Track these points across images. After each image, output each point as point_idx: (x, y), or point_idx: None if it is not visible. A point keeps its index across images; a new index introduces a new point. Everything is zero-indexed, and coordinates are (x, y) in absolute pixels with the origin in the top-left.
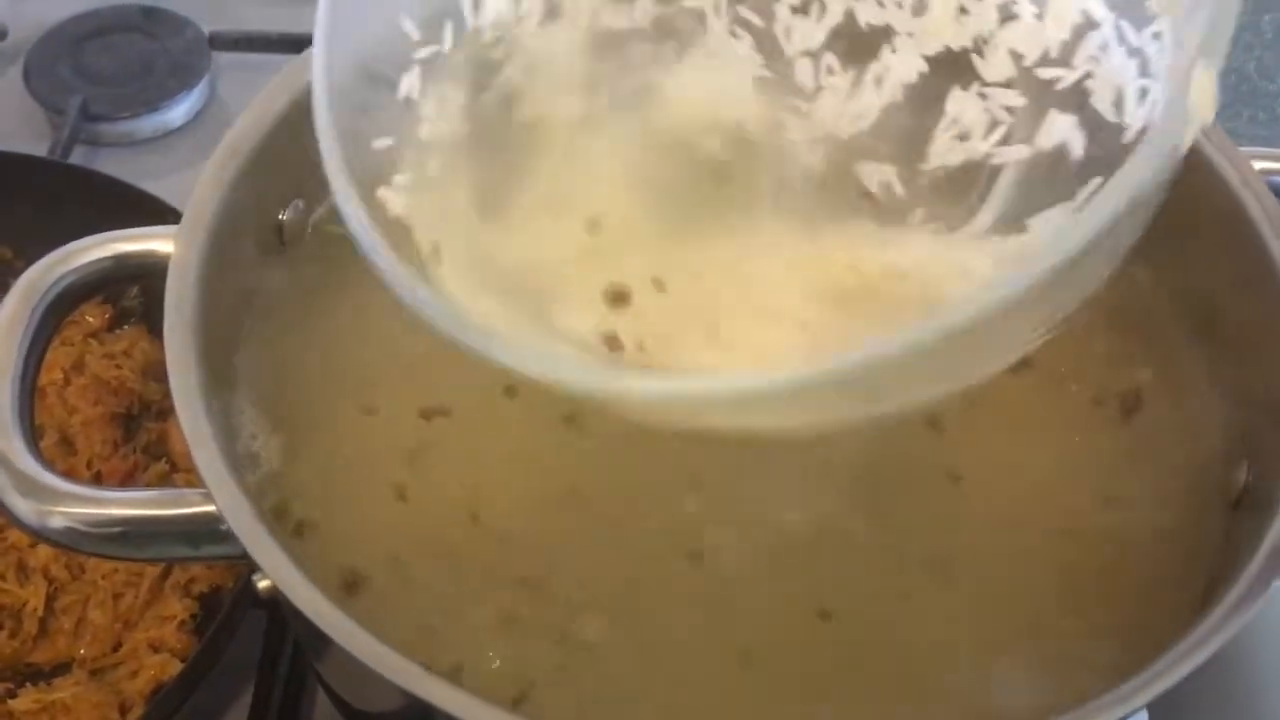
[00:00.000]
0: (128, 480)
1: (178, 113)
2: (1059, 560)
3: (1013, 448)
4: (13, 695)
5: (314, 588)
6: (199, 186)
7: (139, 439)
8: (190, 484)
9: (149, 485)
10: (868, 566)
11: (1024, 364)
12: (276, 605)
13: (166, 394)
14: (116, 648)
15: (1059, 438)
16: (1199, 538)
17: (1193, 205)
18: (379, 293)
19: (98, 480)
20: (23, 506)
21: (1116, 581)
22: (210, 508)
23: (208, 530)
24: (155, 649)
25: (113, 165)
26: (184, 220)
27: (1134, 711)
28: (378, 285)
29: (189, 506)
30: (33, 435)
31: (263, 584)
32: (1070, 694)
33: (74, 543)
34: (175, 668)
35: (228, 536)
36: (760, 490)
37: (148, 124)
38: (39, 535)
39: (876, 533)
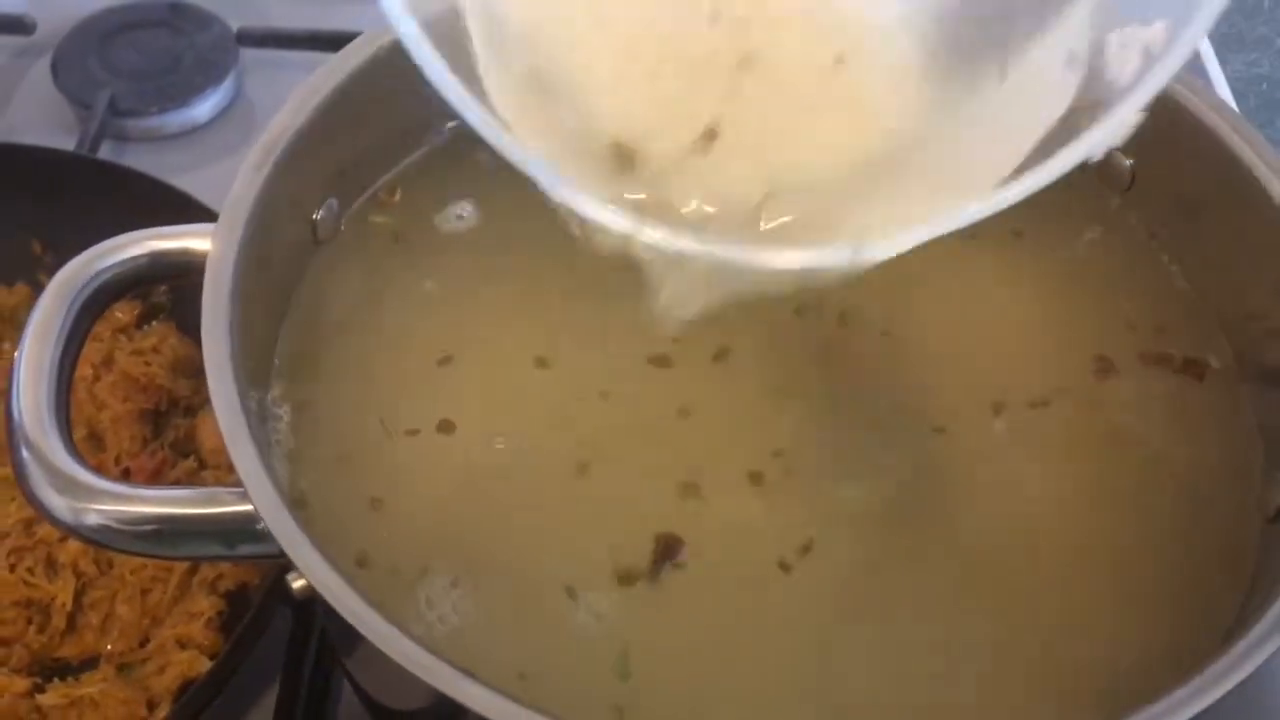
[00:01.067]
0: (156, 477)
1: (204, 109)
2: (1093, 566)
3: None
4: (40, 690)
5: (350, 588)
6: (235, 186)
7: (167, 435)
8: (218, 480)
9: (177, 482)
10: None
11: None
12: (304, 604)
13: (195, 390)
14: (144, 643)
15: (1099, 449)
16: (1237, 550)
17: (1233, 217)
18: (414, 289)
19: (126, 476)
20: (58, 503)
21: (1153, 590)
22: (246, 507)
23: (243, 529)
24: (182, 645)
25: (139, 160)
26: (221, 219)
27: None
28: (413, 282)
29: (224, 505)
30: (69, 432)
31: (297, 583)
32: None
33: (108, 540)
34: (203, 664)
35: (264, 536)
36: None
37: (174, 119)
38: (74, 532)
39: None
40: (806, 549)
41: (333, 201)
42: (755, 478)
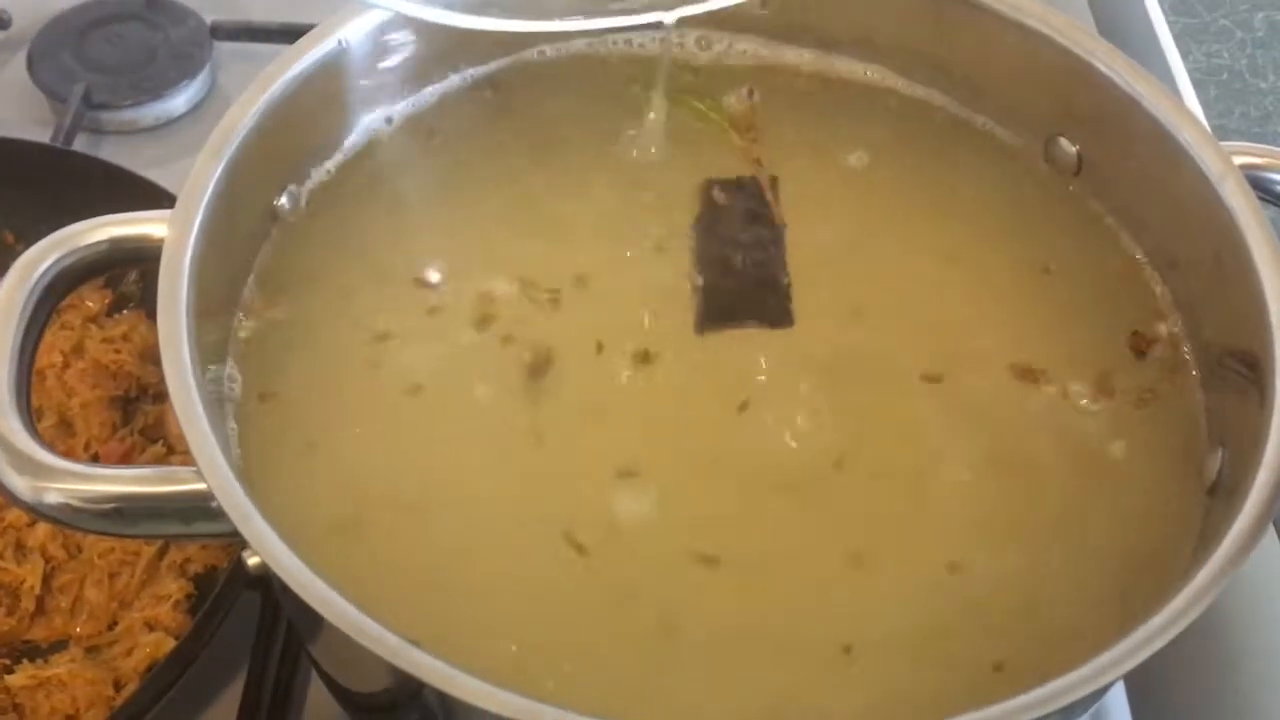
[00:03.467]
0: (125, 462)
1: (179, 102)
2: (1048, 541)
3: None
4: (9, 671)
5: (303, 563)
6: (194, 171)
7: (136, 422)
8: (185, 466)
9: (129, 466)
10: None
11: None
12: (270, 586)
13: (164, 377)
14: (112, 626)
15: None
16: (1181, 521)
17: (1176, 196)
18: (369, 274)
19: (95, 462)
20: (19, 483)
21: (1102, 561)
22: (201, 485)
23: (199, 508)
24: (150, 628)
25: (115, 153)
26: (178, 204)
27: (1111, 683)
28: (369, 266)
29: (181, 484)
30: (29, 414)
31: (253, 561)
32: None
33: (68, 519)
34: (170, 646)
35: (218, 514)
36: None
37: (149, 112)
38: (34, 511)
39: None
40: None
41: (293, 187)
42: None
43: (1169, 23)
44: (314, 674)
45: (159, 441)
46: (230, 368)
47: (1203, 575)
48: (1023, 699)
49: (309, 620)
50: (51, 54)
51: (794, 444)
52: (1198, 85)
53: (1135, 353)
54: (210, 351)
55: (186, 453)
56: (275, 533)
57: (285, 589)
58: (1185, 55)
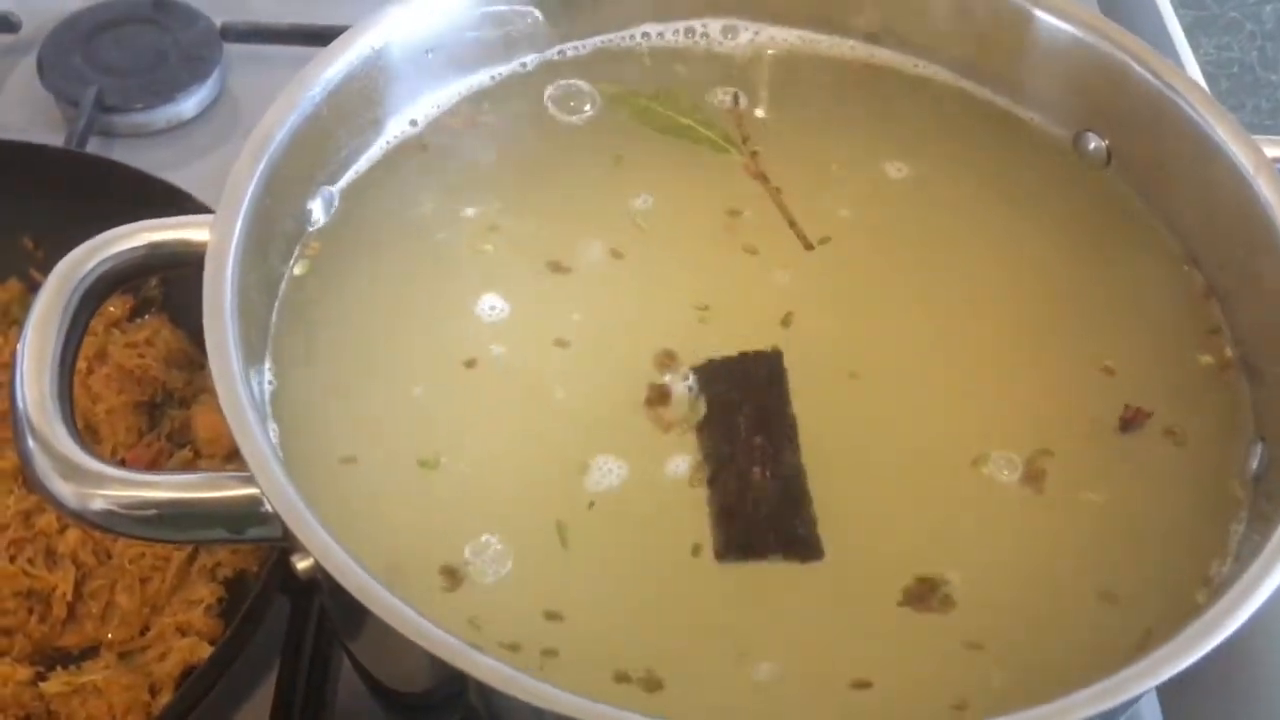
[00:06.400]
0: (152, 468)
1: (190, 104)
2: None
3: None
4: (43, 678)
5: (359, 566)
6: (231, 177)
7: (163, 426)
8: (213, 470)
9: (174, 472)
10: None
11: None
12: (301, 591)
13: (188, 382)
14: (144, 631)
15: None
16: (1224, 517)
17: (1208, 190)
18: (404, 270)
19: (122, 468)
20: (64, 489)
21: (1145, 555)
22: (252, 490)
23: (249, 512)
24: (183, 632)
25: (126, 156)
26: (220, 209)
27: (1144, 691)
28: (404, 267)
29: (229, 489)
30: (73, 419)
31: (302, 564)
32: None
33: (113, 525)
34: (204, 650)
35: (269, 519)
36: None
37: (160, 115)
38: (79, 518)
39: None
40: None
41: (328, 189)
42: None
43: (1178, 15)
44: (344, 673)
45: (186, 446)
46: (268, 370)
47: (1247, 576)
48: (1062, 702)
49: (356, 623)
50: (61, 58)
51: None
52: (1209, 78)
53: (1186, 348)
54: (251, 355)
55: (215, 456)
56: (331, 536)
57: (340, 591)
58: (1195, 48)
